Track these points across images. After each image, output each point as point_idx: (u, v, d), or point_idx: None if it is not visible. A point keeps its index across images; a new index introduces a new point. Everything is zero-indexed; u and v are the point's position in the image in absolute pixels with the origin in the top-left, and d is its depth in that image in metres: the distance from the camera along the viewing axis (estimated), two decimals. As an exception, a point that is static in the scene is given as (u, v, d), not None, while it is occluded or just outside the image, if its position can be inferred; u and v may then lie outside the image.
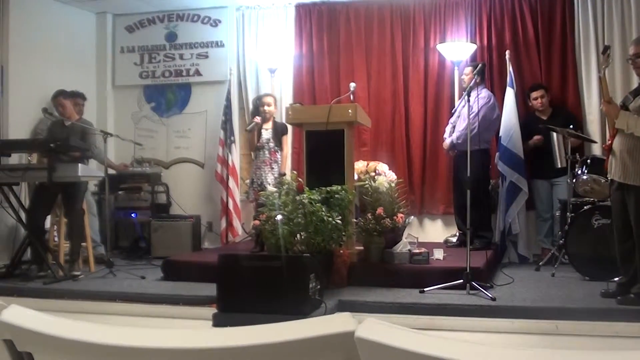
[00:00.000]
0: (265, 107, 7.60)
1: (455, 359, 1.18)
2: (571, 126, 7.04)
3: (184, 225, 8.38)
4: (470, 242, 6.00)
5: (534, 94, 7.68)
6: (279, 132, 7.63)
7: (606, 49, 5.42)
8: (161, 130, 9.51)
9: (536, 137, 7.52)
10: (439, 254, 6.65)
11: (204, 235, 9.00)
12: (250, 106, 8.61)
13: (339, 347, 1.31)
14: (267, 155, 7.54)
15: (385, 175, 6.86)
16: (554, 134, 7.14)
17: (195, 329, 3.55)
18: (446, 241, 7.88)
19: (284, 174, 7.34)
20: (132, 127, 9.49)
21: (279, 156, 7.59)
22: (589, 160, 6.61)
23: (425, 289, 5.74)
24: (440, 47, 8.16)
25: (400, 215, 6.49)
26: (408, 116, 8.49)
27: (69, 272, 6.72)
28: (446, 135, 7.77)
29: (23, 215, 6.96)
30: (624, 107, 5.29)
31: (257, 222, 6.60)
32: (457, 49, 8.04)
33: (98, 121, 8.80)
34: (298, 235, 5.84)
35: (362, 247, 6.58)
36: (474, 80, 6.73)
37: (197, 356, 1.39)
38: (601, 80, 5.54)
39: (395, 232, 6.50)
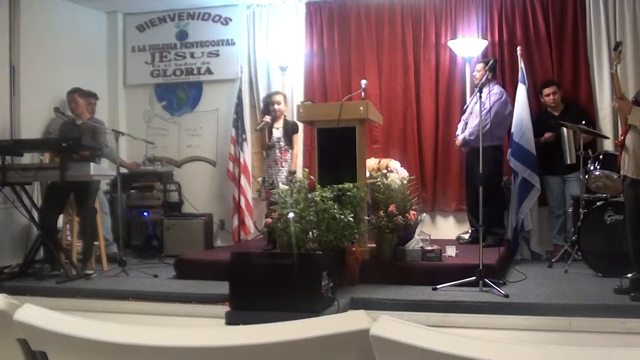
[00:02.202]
0: (275, 106, 7.59)
1: (469, 356, 1.17)
2: (583, 122, 7.01)
3: (196, 223, 8.40)
4: (483, 239, 6.00)
5: (546, 91, 7.63)
6: (290, 130, 7.61)
7: (618, 45, 5.39)
8: (173, 129, 9.53)
9: (547, 135, 7.48)
10: (451, 251, 6.64)
11: (216, 233, 9.00)
12: (261, 104, 8.61)
13: (354, 345, 1.31)
14: (278, 154, 7.53)
15: (397, 173, 6.85)
16: (565, 130, 7.10)
17: (208, 327, 3.56)
18: (458, 238, 7.85)
19: (295, 172, 7.34)
20: (144, 126, 9.51)
21: (289, 155, 7.58)
22: (601, 156, 6.59)
23: (437, 286, 5.73)
24: (452, 44, 8.12)
25: (412, 212, 6.48)
26: (420, 113, 8.46)
27: (82, 271, 6.75)
28: (458, 132, 7.75)
29: (36, 215, 7.01)
30: (637, 102, 5.27)
31: (269, 220, 6.59)
32: (468, 45, 8.00)
33: (110, 120, 8.82)
34: (310, 233, 5.84)
35: (374, 245, 6.57)
36: (485, 76, 6.71)
37: (211, 354, 1.39)
38: (613, 77, 5.51)
39: (407, 230, 6.49)
